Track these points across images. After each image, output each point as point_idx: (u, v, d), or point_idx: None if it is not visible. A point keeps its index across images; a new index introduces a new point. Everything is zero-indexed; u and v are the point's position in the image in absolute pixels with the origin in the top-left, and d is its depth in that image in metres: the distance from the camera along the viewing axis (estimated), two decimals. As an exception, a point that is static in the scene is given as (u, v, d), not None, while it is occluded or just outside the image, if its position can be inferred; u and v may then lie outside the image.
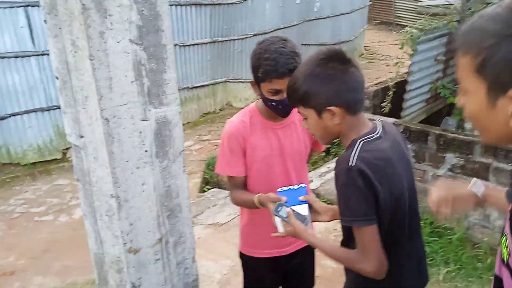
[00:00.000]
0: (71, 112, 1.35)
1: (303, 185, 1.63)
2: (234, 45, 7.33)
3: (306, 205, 1.57)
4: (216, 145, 6.45)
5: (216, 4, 6.86)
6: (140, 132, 1.33)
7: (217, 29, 7.06)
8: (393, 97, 3.98)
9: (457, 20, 3.59)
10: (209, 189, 5.09)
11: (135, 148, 1.34)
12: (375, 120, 1.47)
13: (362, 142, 1.32)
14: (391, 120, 3.86)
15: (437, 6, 3.80)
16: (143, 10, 1.21)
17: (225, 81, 7.49)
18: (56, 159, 5.76)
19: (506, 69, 0.80)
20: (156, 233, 1.48)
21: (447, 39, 3.95)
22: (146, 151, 1.37)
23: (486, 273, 3.34)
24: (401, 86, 4.01)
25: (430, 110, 4.37)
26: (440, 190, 1.38)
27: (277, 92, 1.61)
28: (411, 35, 3.32)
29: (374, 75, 8.52)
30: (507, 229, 0.99)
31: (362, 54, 10.76)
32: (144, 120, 1.33)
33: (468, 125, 4.03)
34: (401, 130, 3.80)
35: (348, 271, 1.53)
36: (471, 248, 3.63)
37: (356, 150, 1.29)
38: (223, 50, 7.26)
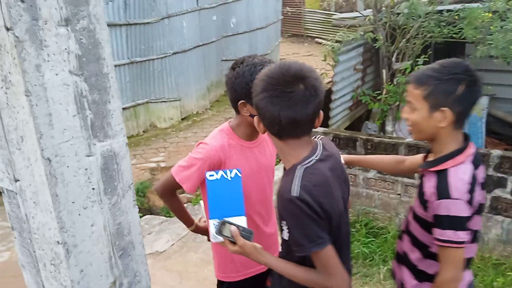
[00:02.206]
0: (2, 154, 1.20)
1: (238, 172, 1.45)
2: (153, 65, 7.15)
3: (244, 217, 1.42)
4: (143, 169, 6.21)
5: (132, 24, 6.66)
6: (86, 169, 1.22)
7: (135, 49, 6.84)
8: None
9: (371, 31, 3.83)
10: (141, 216, 4.86)
11: (81, 187, 1.22)
12: (316, 138, 1.47)
13: (303, 169, 1.31)
14: (320, 129, 4.00)
15: (352, 18, 4.04)
16: (81, 39, 1.11)
17: (147, 102, 7.26)
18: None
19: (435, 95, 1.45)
20: (109, 277, 1.36)
21: (363, 49, 4.19)
22: (93, 188, 1.25)
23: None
24: (325, 96, 4.17)
25: (353, 116, 4.59)
26: None
27: None
28: (333, 48, 3.47)
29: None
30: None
31: (279, 66, 11.07)
32: (89, 156, 1.22)
33: (389, 128, 4.29)
34: (331, 138, 3.95)
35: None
36: (404, 243, 3.84)
37: (298, 178, 1.29)
38: (143, 70, 7.05)
